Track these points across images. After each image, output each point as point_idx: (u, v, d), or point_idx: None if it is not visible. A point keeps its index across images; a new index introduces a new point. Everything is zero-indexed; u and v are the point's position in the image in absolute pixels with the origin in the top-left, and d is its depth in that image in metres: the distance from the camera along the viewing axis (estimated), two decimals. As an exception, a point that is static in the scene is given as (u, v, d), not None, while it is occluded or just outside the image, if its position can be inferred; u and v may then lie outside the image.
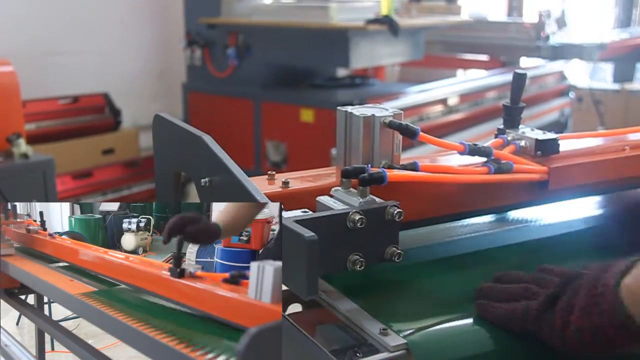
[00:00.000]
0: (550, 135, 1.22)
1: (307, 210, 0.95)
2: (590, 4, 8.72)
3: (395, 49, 4.73)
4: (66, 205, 1.83)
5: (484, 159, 1.13)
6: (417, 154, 1.90)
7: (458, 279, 1.03)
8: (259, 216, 1.17)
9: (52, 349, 1.90)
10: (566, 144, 1.25)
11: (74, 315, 1.54)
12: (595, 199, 1.37)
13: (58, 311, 1.76)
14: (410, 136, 1.05)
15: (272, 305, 0.80)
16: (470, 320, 0.90)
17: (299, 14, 4.43)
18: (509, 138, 1.23)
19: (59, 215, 1.78)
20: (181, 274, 1.01)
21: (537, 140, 1.20)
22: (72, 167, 4.31)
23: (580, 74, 6.73)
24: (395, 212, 0.90)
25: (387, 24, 4.26)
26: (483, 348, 0.87)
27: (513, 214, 1.28)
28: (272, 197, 0.91)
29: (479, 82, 5.22)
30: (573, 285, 0.84)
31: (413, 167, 1.05)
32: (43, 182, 2.93)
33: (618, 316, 0.78)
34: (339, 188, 0.98)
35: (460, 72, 6.50)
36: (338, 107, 1.13)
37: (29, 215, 1.69)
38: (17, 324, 2.07)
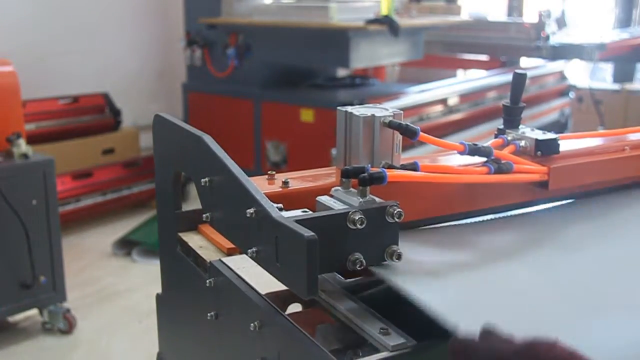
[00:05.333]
0: (550, 135, 1.22)
1: (307, 210, 0.95)
2: (590, 4, 8.72)
3: (395, 49, 4.73)
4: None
5: (484, 159, 1.13)
6: (417, 154, 1.90)
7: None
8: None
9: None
10: (566, 144, 1.25)
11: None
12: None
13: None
14: (410, 136, 1.05)
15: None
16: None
17: (299, 14, 4.43)
18: (509, 138, 1.23)
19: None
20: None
21: (537, 140, 1.20)
22: (72, 167, 4.31)
23: (580, 74, 6.72)
24: (395, 212, 0.90)
25: (387, 24, 4.26)
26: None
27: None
28: (272, 197, 0.91)
29: (479, 82, 5.22)
30: None
31: (413, 167, 1.05)
32: (43, 182, 2.93)
33: None
34: (339, 188, 0.98)
35: (460, 72, 6.50)
36: (338, 107, 1.13)
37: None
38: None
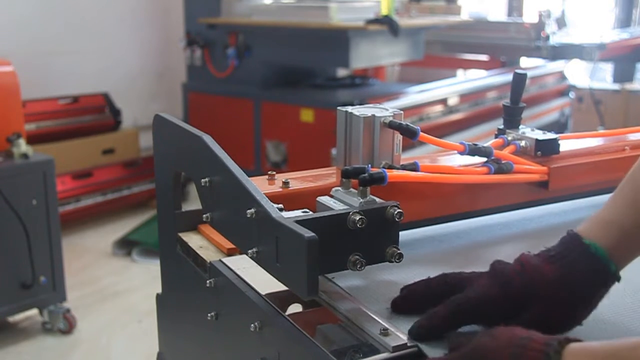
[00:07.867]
0: (550, 136, 1.22)
1: (307, 210, 0.95)
2: (590, 4, 8.72)
3: (395, 49, 4.73)
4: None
5: (484, 159, 1.13)
6: (417, 154, 1.90)
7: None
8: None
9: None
10: (566, 144, 1.25)
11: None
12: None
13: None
14: (410, 136, 1.05)
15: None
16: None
17: (299, 14, 4.43)
18: (509, 138, 1.23)
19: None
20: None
21: (537, 140, 1.20)
22: (72, 167, 4.31)
23: (580, 74, 6.72)
24: (395, 212, 0.90)
25: (387, 24, 4.26)
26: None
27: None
28: (272, 197, 0.91)
29: (479, 82, 5.22)
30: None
31: (413, 167, 1.05)
32: (43, 182, 2.93)
33: None
34: (339, 188, 0.97)
35: (460, 72, 6.50)
36: (338, 107, 1.13)
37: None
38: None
